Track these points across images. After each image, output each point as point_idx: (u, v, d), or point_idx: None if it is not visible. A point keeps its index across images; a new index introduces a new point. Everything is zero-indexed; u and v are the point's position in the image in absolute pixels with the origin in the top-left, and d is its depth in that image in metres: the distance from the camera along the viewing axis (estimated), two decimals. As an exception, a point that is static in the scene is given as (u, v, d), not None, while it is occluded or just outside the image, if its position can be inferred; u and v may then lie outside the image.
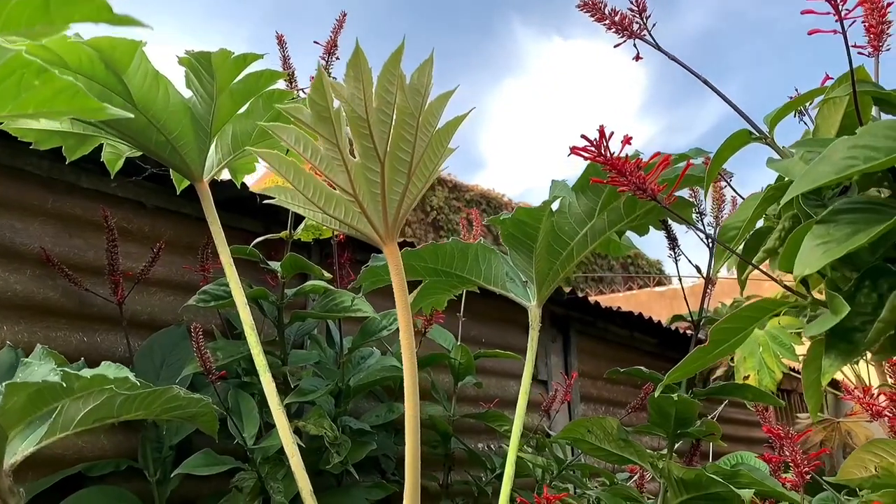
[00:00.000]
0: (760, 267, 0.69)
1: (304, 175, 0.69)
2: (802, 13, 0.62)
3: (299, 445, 1.46)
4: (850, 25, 0.62)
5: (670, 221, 1.54)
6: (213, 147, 1.06)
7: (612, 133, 0.74)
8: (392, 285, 1.41)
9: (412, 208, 0.75)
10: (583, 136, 0.74)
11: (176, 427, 1.43)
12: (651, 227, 1.42)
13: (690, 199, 1.41)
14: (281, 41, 1.40)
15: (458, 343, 1.91)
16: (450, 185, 11.05)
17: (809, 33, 0.64)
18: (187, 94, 1.00)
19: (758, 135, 0.72)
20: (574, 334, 2.93)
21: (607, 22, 0.80)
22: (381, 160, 0.68)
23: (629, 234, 1.53)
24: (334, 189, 0.70)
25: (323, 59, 1.43)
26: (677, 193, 1.28)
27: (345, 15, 1.44)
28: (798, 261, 0.56)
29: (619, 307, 3.08)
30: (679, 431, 1.36)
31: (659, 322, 3.30)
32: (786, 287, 0.68)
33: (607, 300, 5.37)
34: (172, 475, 1.34)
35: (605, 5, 0.81)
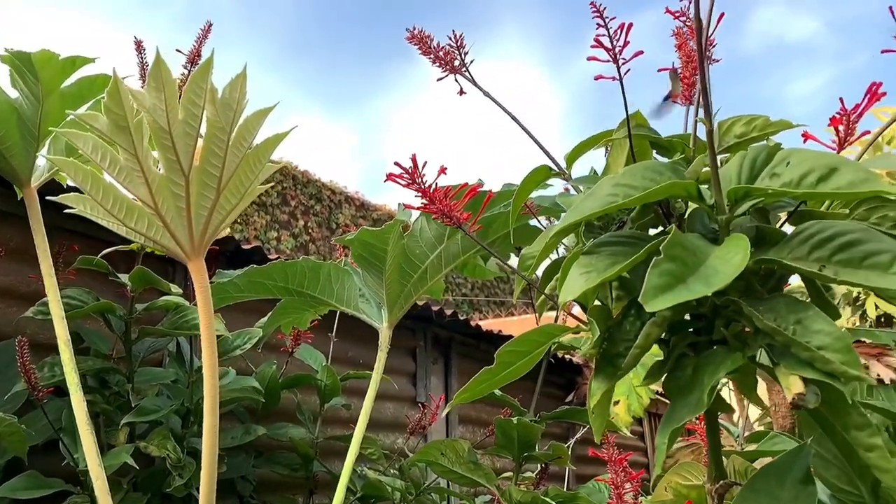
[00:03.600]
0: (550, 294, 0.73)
1: (104, 185, 0.68)
2: (588, 59, 0.67)
3: (141, 467, 1.40)
4: (626, 73, 0.67)
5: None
6: (43, 151, 1.02)
7: (426, 162, 0.77)
8: (259, 301, 1.39)
9: (226, 224, 0.74)
10: (396, 164, 0.76)
11: (3, 447, 1.34)
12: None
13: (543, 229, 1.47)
14: (139, 47, 1.36)
15: (327, 365, 1.89)
16: (357, 203, 11.00)
17: (596, 79, 0.69)
18: (14, 94, 0.96)
19: (557, 170, 0.76)
20: (455, 356, 2.96)
21: (432, 56, 0.83)
22: (185, 174, 0.67)
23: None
24: (137, 201, 0.69)
25: (185, 67, 1.40)
26: (534, 223, 1.34)
27: (210, 26, 1.42)
28: (563, 288, 0.59)
29: (499, 330, 3.15)
30: (525, 454, 1.39)
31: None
32: (570, 314, 0.72)
33: (500, 324, 5.47)
34: (-10, 498, 1.24)
35: (432, 39, 0.84)
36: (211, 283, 1.24)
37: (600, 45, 0.65)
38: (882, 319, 3.72)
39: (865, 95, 0.60)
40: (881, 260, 0.52)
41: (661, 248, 0.51)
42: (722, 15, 0.78)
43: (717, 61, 0.82)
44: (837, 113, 0.61)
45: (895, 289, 0.52)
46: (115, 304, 1.45)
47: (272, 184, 9.13)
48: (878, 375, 2.59)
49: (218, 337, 1.52)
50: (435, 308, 2.74)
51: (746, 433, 1.17)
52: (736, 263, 0.53)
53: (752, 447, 0.98)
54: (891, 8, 0.82)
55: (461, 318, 2.85)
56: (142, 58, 1.39)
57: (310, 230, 10.15)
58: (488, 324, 4.18)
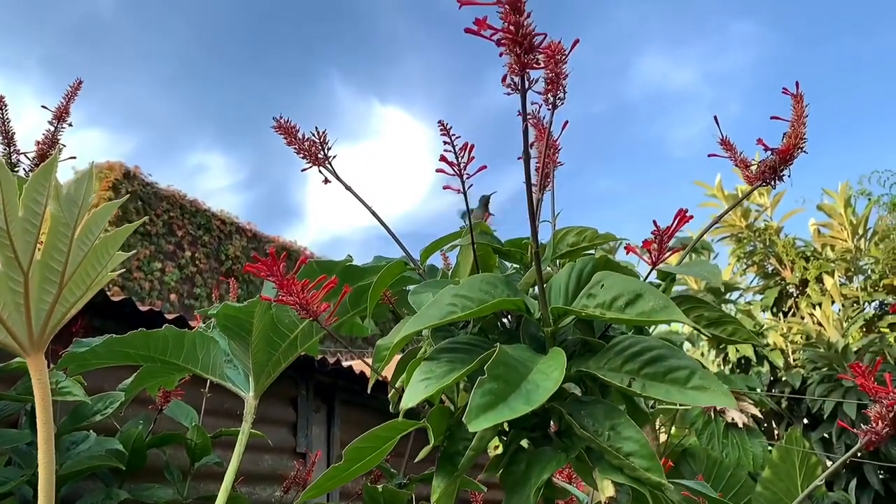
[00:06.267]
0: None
1: (-65, 280, 0.65)
2: (437, 171, 0.72)
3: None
4: (470, 187, 0.72)
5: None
6: None
7: (285, 252, 0.79)
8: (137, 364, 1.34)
9: (70, 315, 0.73)
10: (255, 257, 0.77)
11: None
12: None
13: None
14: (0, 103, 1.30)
15: (197, 424, 1.83)
16: (249, 234, 10.70)
17: (444, 188, 0.74)
18: None
19: (412, 266, 0.80)
20: (339, 404, 2.93)
21: (296, 147, 0.85)
22: (24, 271, 0.65)
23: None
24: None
25: (51, 124, 1.35)
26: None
27: (80, 83, 1.38)
28: (406, 395, 0.62)
29: (385, 377, 3.15)
30: (393, 517, 1.41)
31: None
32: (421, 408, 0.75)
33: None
34: None
35: (297, 130, 0.86)
36: (68, 351, 1.19)
37: (446, 160, 0.69)
38: (742, 362, 4.03)
39: (675, 219, 0.68)
40: (680, 376, 0.59)
41: (485, 367, 0.55)
42: (566, 123, 0.86)
43: (562, 164, 0.90)
44: (652, 233, 0.68)
45: (690, 404, 0.59)
46: (-39, 367, 1.35)
47: (158, 213, 8.76)
48: (733, 419, 2.79)
49: (77, 402, 1.44)
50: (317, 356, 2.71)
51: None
52: (555, 378, 0.58)
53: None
54: (715, 117, 0.92)
55: (345, 366, 2.83)
56: (3, 114, 1.33)
57: (197, 261, 9.77)
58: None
